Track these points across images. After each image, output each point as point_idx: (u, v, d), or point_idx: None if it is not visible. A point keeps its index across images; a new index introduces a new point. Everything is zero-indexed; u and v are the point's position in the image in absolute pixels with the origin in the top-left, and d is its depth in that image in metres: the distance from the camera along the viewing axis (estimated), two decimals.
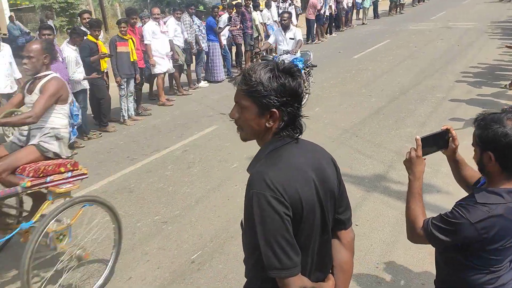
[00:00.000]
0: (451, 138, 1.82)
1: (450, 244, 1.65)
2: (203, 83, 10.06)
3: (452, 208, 1.66)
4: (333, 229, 1.58)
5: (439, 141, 1.80)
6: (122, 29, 7.38)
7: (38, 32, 6.29)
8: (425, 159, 1.77)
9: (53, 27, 7.10)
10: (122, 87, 7.42)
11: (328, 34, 15.71)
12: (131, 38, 7.52)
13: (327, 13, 15.07)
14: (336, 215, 1.56)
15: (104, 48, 7.13)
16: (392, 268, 3.41)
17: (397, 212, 4.18)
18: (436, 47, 12.12)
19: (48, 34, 5.97)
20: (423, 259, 3.44)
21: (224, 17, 10.51)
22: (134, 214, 4.52)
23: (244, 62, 11.23)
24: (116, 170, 5.68)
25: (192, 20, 9.49)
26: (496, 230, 1.55)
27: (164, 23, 8.86)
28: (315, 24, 14.52)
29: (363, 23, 18.43)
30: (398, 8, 20.99)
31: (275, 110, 1.40)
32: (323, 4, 14.47)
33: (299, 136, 1.49)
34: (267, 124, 1.42)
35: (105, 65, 7.19)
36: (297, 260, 1.36)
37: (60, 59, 6.16)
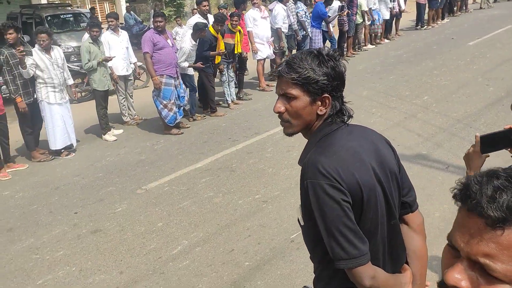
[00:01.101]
0: None
1: None
2: None
3: None
4: (400, 214, 1.48)
5: (502, 140, 1.77)
6: (234, 22, 7.53)
7: (152, 19, 6.80)
8: (488, 156, 1.79)
9: (165, 15, 7.61)
10: (223, 73, 7.71)
11: (440, 20, 14.58)
12: (240, 30, 7.73)
13: None
14: (401, 198, 1.47)
15: (223, 44, 7.32)
16: None
17: None
18: None
19: (160, 21, 6.44)
20: None
21: (336, 5, 10.28)
22: (235, 191, 4.71)
23: (346, 50, 10.95)
24: (218, 150, 5.95)
25: (296, 5, 9.47)
26: None
27: (270, 10, 9.01)
28: (427, 8, 13.53)
29: (482, 8, 16.73)
30: None
31: (327, 95, 1.37)
32: None
33: (349, 121, 1.45)
34: (318, 112, 1.39)
35: (219, 58, 7.45)
36: (364, 248, 1.28)
37: (170, 43, 6.61)
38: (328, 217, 1.26)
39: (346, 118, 1.44)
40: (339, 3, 10.22)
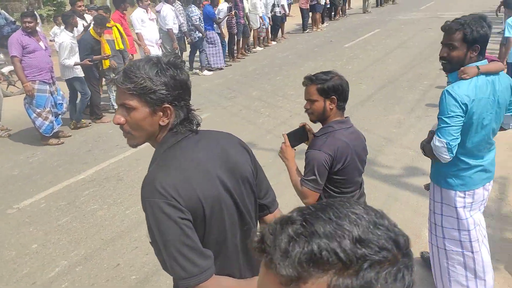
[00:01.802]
0: (309, 131, 2.29)
1: (318, 181, 2.07)
2: (207, 72, 9.88)
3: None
4: (260, 216, 1.53)
5: (301, 135, 2.24)
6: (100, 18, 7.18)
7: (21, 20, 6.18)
8: (295, 149, 2.20)
9: (36, 15, 6.97)
10: (107, 76, 7.32)
11: (320, 24, 15.61)
12: (116, 25, 7.38)
13: (322, 2, 15.00)
14: (258, 200, 1.50)
15: (108, 48, 6.94)
16: None
17: (384, 194, 4.22)
18: (425, 37, 12.13)
19: (29, 21, 5.85)
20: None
21: (224, 6, 10.38)
22: (123, 201, 4.49)
23: (236, 52, 11.16)
24: (104, 159, 5.63)
25: (189, 9, 9.41)
26: (336, 148, 2.04)
27: (157, 11, 8.79)
28: (310, 13, 14.39)
29: (364, 12, 18.34)
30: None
31: (168, 105, 1.30)
32: None
33: (198, 128, 1.41)
34: (161, 123, 1.32)
35: (108, 63, 7.06)
36: (205, 264, 1.26)
37: (43, 46, 6.07)
38: (166, 237, 1.23)
39: (194, 126, 1.39)
40: (227, 4, 10.39)
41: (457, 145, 2.21)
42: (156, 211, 1.23)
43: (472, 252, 2.48)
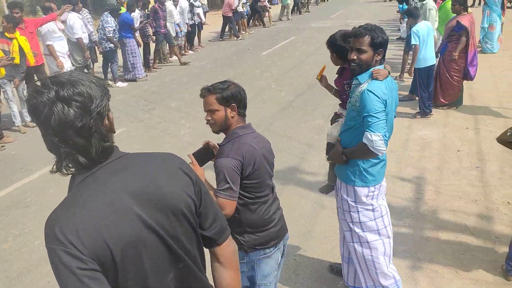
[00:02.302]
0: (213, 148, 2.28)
1: (233, 188, 2.03)
2: (121, 83, 9.39)
3: None
4: (207, 247, 1.41)
5: (206, 153, 2.21)
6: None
7: None
8: (203, 168, 2.14)
9: None
10: (2, 89, 6.59)
11: (242, 31, 15.72)
12: (17, 38, 6.60)
13: (242, 10, 15.11)
14: (201, 232, 1.35)
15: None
16: (309, 258, 3.43)
17: (311, 201, 4.25)
18: None
19: None
20: (336, 247, 3.49)
21: (136, 14, 9.92)
22: (31, 231, 4.03)
23: (152, 62, 10.78)
24: (7, 184, 5.05)
25: (104, 19, 8.87)
26: (244, 152, 2.02)
27: (63, 21, 8.15)
28: (232, 21, 14.38)
29: (288, 19, 18.79)
30: (305, 7, 21.71)
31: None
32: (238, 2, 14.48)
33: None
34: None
35: (33, 60, 6.55)
36: None
37: None
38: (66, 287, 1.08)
39: (106, 155, 1.21)
40: (138, 12, 9.98)
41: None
42: (55, 259, 1.08)
43: (388, 237, 2.68)
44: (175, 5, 11.23)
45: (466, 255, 3.34)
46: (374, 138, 2.30)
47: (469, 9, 6.44)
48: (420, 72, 6.13)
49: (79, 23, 8.23)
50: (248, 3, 16.39)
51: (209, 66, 10.78)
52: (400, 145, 5.45)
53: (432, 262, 3.28)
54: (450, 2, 6.66)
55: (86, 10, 9.19)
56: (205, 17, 14.79)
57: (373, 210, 2.60)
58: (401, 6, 10.54)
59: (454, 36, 6.16)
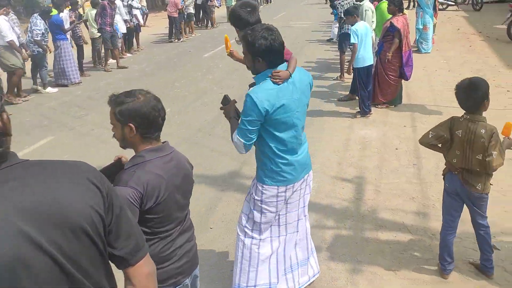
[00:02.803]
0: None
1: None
2: (51, 89, 8.77)
3: None
4: (119, 267, 1.25)
5: (117, 170, 1.85)
6: None
7: None
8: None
9: None
10: None
11: (192, 34, 15.35)
12: None
13: (191, 11, 14.75)
14: (111, 250, 1.21)
15: None
16: None
17: None
18: None
19: None
20: None
21: (65, 14, 9.30)
22: None
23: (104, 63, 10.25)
24: None
25: (33, 21, 8.22)
26: (146, 183, 1.71)
27: None
28: (177, 22, 13.98)
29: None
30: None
31: None
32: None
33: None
34: None
35: None
36: None
37: None
38: None
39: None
40: (67, 12, 9.41)
41: (252, 144, 2.37)
42: None
43: (279, 236, 2.65)
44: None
45: (404, 254, 3.31)
46: (235, 140, 2.36)
47: (405, 11, 6.61)
48: (359, 71, 6.18)
49: (7, 26, 7.60)
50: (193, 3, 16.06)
51: (148, 69, 10.38)
52: (341, 145, 5.45)
53: (372, 264, 3.22)
54: (386, 3, 6.82)
55: (12, 12, 8.51)
56: (146, 19, 14.36)
57: (277, 212, 2.56)
58: (335, 10, 10.74)
59: (389, 37, 6.29)
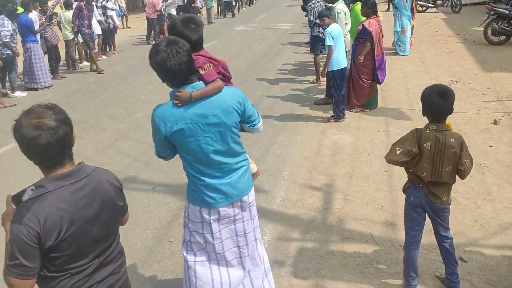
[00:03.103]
0: None
1: (26, 264, 1.50)
2: (19, 93, 8.45)
3: None
4: None
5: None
6: None
7: None
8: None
9: None
10: None
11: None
12: None
13: (174, 13, 14.47)
14: None
15: None
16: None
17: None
18: (259, 47, 12.61)
19: None
20: None
21: (34, 15, 8.99)
22: None
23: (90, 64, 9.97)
24: None
25: None
26: (44, 219, 1.48)
27: None
28: (155, 23, 13.70)
29: (209, 23, 18.19)
30: (230, 11, 21.44)
31: None
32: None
33: None
34: None
35: None
36: None
37: None
38: None
39: None
40: (36, 12, 9.10)
41: (167, 156, 2.29)
42: None
43: (218, 265, 2.41)
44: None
45: (369, 268, 3.17)
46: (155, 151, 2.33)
47: (379, 13, 6.50)
48: (333, 74, 6.04)
49: None
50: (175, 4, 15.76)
51: (122, 72, 10.12)
52: (313, 151, 5.31)
53: (335, 279, 3.08)
54: (360, 5, 6.71)
55: None
56: (126, 21, 14.07)
57: (203, 233, 2.33)
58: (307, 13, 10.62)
59: (362, 39, 6.18)
